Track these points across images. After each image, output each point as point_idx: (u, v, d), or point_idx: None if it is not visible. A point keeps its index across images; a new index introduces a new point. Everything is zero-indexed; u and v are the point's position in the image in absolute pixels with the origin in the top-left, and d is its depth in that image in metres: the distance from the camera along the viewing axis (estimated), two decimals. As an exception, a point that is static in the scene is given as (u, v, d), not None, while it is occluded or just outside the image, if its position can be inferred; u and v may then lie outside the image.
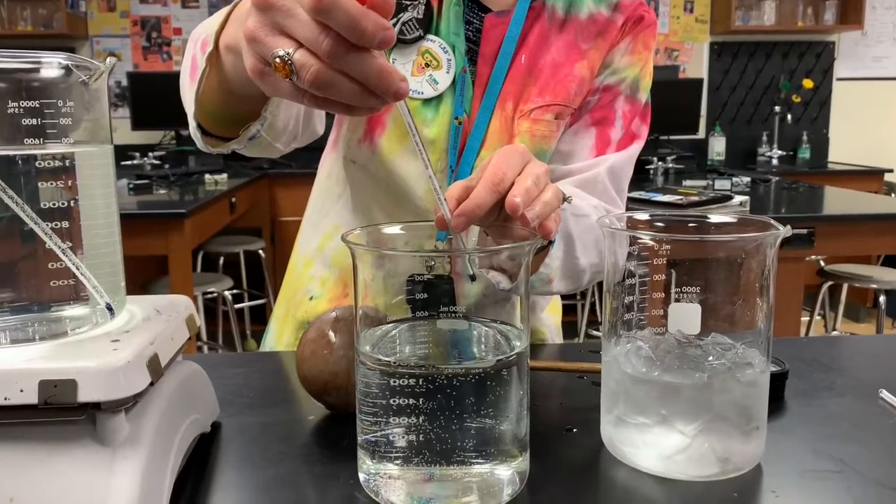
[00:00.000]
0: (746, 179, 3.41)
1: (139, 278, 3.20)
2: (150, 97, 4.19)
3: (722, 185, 3.29)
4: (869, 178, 4.37)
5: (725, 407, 0.58)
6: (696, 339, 0.59)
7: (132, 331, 0.53)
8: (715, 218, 0.64)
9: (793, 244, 2.55)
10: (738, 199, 2.71)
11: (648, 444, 0.59)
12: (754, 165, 4.61)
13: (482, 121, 0.92)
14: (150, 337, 0.52)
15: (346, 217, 1.02)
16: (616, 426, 0.62)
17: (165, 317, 0.57)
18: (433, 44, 0.92)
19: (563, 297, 4.37)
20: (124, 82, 4.37)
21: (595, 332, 3.79)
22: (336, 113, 0.53)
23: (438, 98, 0.92)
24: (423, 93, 0.91)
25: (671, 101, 4.41)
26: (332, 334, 0.69)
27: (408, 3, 0.91)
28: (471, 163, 0.93)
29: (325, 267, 1.03)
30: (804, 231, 2.54)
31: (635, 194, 2.94)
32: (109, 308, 0.55)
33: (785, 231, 0.57)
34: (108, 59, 0.53)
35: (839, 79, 4.85)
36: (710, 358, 0.59)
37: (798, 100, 4.79)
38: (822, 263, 3.44)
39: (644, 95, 1.01)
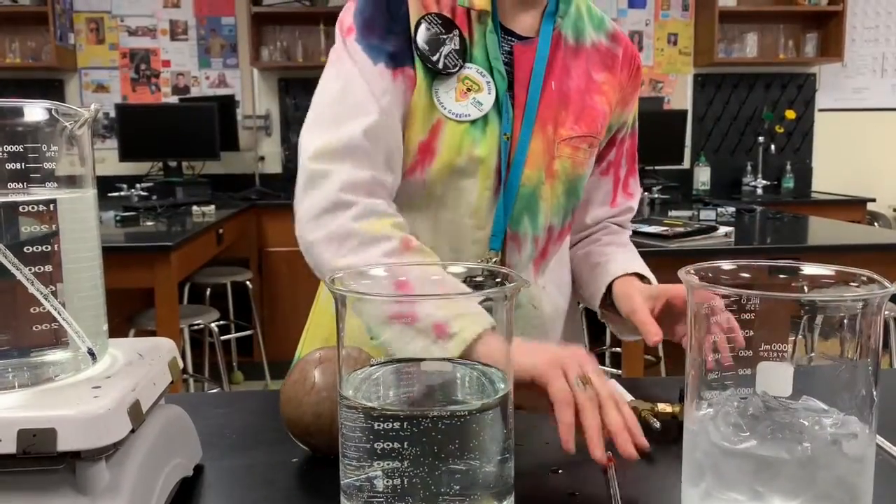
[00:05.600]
0: (731, 209, 3.44)
1: (125, 311, 3.18)
2: (138, 129, 4.19)
3: (707, 215, 3.31)
4: (852, 207, 4.42)
5: (829, 485, 0.52)
6: (787, 402, 0.54)
7: (113, 376, 0.53)
8: (810, 269, 0.60)
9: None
10: (723, 229, 2.73)
11: None
12: (739, 195, 4.65)
13: (524, 141, 0.99)
14: (131, 383, 0.52)
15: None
16: (703, 501, 0.56)
17: (148, 361, 0.57)
18: (470, 70, 0.98)
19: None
20: (112, 114, 4.37)
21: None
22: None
23: (485, 118, 0.97)
24: (469, 115, 0.97)
25: (656, 131, 4.45)
26: (315, 375, 0.68)
27: (445, 37, 0.97)
28: (517, 179, 0.99)
29: None
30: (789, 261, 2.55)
31: (621, 225, 2.96)
32: (91, 353, 0.54)
33: (893, 289, 0.52)
34: (91, 106, 0.53)
35: (821, 110, 4.92)
36: (808, 424, 0.54)
37: (781, 130, 4.85)
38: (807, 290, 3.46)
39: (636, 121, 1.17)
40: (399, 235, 0.88)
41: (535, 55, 1.00)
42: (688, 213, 3.44)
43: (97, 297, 0.57)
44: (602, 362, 3.68)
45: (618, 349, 3.34)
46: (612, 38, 1.08)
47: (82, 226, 0.56)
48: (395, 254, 0.86)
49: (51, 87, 4.48)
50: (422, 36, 0.96)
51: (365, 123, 0.91)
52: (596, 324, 3.84)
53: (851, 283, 0.58)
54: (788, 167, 4.82)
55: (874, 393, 0.55)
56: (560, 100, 1.01)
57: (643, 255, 2.83)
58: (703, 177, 4.74)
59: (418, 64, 0.96)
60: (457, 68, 0.97)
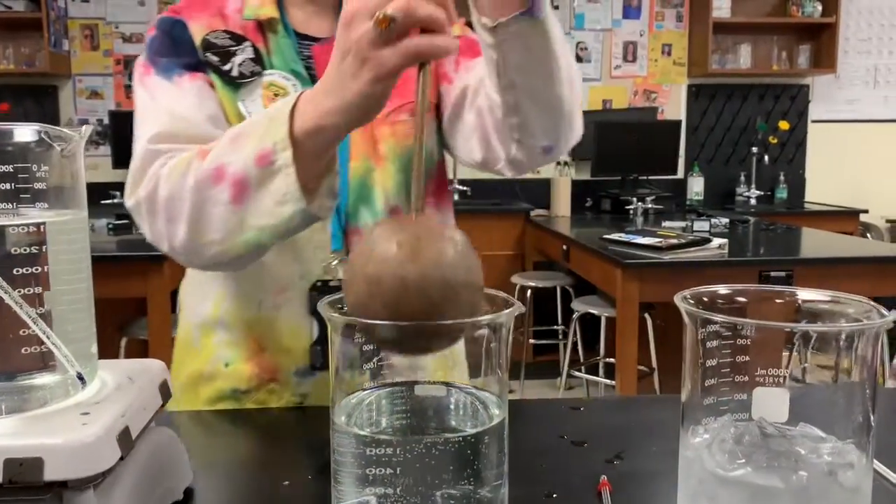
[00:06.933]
0: (725, 220, 3.45)
1: (117, 320, 3.16)
2: (132, 136, 4.17)
3: (701, 226, 3.32)
4: (845, 218, 4.44)
5: None
6: (784, 429, 0.54)
7: (102, 402, 0.52)
8: (805, 294, 0.60)
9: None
10: (716, 241, 2.73)
11: None
12: (732, 205, 4.67)
13: None
14: (121, 408, 0.51)
15: (231, 276, 1.00)
16: None
17: (138, 385, 0.56)
18: (274, 76, 0.96)
19: (544, 335, 4.28)
20: (106, 121, 4.36)
21: (577, 373, 3.77)
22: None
23: None
24: None
25: (650, 141, 4.47)
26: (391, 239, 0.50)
27: (235, 48, 0.96)
28: (344, 175, 0.96)
29: (227, 331, 1.00)
30: (783, 274, 2.56)
31: (615, 236, 2.96)
32: (80, 377, 0.54)
33: (892, 316, 0.52)
34: (83, 129, 0.52)
35: (814, 121, 4.94)
36: (804, 453, 0.53)
37: (774, 141, 4.87)
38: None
39: None
40: (185, 157, 0.85)
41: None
42: (681, 224, 3.45)
43: (87, 319, 0.57)
44: (595, 373, 3.68)
45: (611, 360, 3.34)
46: None
47: (73, 247, 0.55)
48: (195, 165, 0.82)
49: (45, 94, 4.47)
50: (210, 50, 0.96)
51: (148, 133, 0.91)
52: (589, 335, 3.84)
53: (849, 310, 0.57)
54: (782, 178, 4.84)
55: (872, 419, 0.54)
56: None
57: (636, 266, 2.83)
58: (696, 187, 4.76)
59: (215, 78, 0.96)
60: (254, 76, 0.95)
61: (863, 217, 4.50)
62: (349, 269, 0.52)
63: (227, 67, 0.95)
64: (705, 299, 0.60)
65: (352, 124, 0.72)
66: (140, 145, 0.91)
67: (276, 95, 0.95)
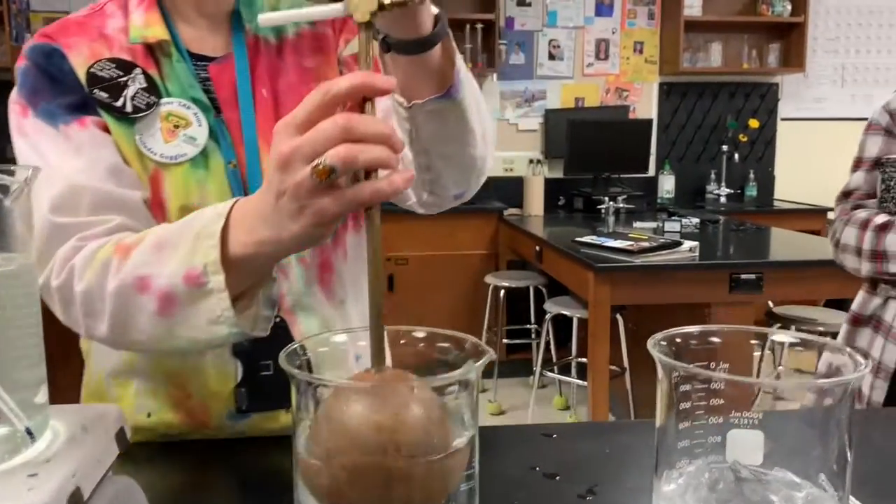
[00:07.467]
0: (696, 220, 3.47)
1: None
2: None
3: (671, 226, 3.34)
4: (813, 216, 4.50)
5: None
6: (759, 472, 0.54)
7: (53, 459, 0.49)
8: (780, 337, 0.60)
9: (742, 289, 2.59)
10: (687, 244, 2.75)
11: None
12: (703, 203, 4.70)
13: (253, 162, 0.91)
14: (72, 467, 0.48)
15: None
16: None
17: (92, 437, 0.54)
18: (172, 105, 0.89)
19: (517, 335, 4.27)
20: (70, 117, 4.27)
21: (549, 373, 3.78)
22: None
23: (204, 153, 0.89)
24: (185, 154, 0.88)
25: (622, 140, 4.48)
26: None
27: (125, 79, 0.88)
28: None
29: (146, 379, 0.93)
30: (753, 276, 2.58)
31: (587, 239, 2.96)
32: (30, 433, 0.51)
33: (867, 369, 0.52)
34: (30, 171, 0.50)
35: (783, 119, 5.00)
36: (777, 500, 0.53)
37: (744, 139, 4.91)
38: (771, 305, 3.51)
39: None
40: (102, 254, 0.77)
41: (234, 71, 0.92)
42: (652, 225, 3.46)
43: (36, 366, 0.54)
44: (568, 372, 3.69)
45: (583, 359, 3.35)
46: (314, 23, 0.98)
47: (19, 291, 0.53)
48: (115, 266, 0.75)
49: (6, 89, 4.32)
50: (97, 86, 0.87)
51: (45, 200, 0.82)
52: (562, 334, 3.85)
53: (823, 353, 0.57)
54: (751, 176, 4.88)
55: (848, 456, 0.54)
56: (275, 105, 0.93)
57: (608, 269, 2.82)
58: (667, 185, 4.79)
59: (107, 116, 0.87)
60: (150, 107, 0.88)
61: (830, 215, 4.56)
62: (317, 449, 0.50)
63: (119, 103, 0.87)
64: (678, 340, 0.59)
65: (290, 252, 0.69)
66: (40, 214, 0.81)
67: (175, 127, 0.88)
